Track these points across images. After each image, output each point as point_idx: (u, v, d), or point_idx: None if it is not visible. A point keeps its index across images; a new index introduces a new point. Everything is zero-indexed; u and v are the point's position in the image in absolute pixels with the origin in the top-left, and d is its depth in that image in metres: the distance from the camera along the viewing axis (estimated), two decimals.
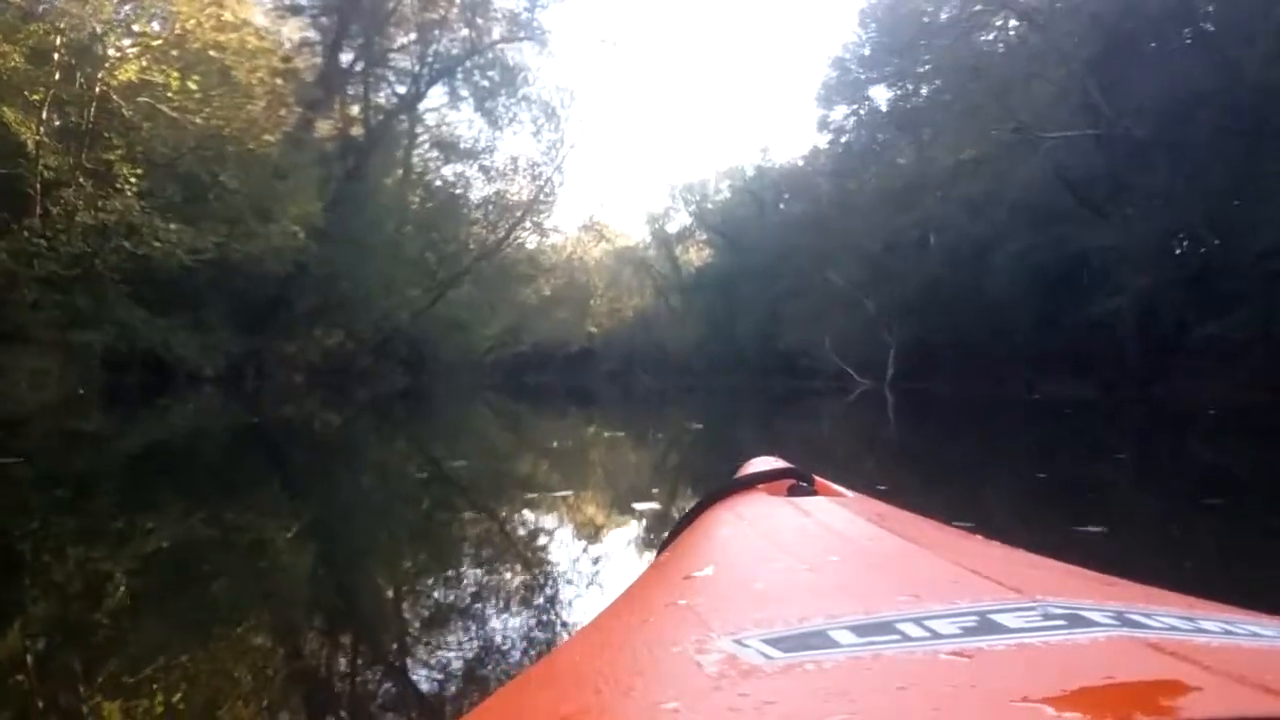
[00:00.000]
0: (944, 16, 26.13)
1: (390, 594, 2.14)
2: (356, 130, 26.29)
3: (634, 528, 2.99)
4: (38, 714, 1.28)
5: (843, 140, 33.79)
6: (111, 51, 15.19)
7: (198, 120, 15.66)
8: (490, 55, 27.96)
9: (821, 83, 33.77)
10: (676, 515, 1.54)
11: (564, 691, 0.43)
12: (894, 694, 0.32)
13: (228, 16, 17.07)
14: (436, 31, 27.01)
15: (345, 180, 23.04)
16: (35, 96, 14.22)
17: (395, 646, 1.66)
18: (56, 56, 14.48)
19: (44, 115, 14.47)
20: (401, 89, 27.74)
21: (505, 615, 1.88)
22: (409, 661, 1.58)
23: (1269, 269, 14.34)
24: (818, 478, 0.97)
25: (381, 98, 27.47)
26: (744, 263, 38.13)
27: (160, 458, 5.10)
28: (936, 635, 0.37)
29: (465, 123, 35.30)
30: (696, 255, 47.20)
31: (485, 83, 28.66)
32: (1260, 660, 0.35)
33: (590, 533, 2.91)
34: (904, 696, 0.31)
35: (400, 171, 29.21)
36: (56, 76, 14.47)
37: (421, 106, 28.73)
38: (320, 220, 18.75)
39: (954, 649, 0.35)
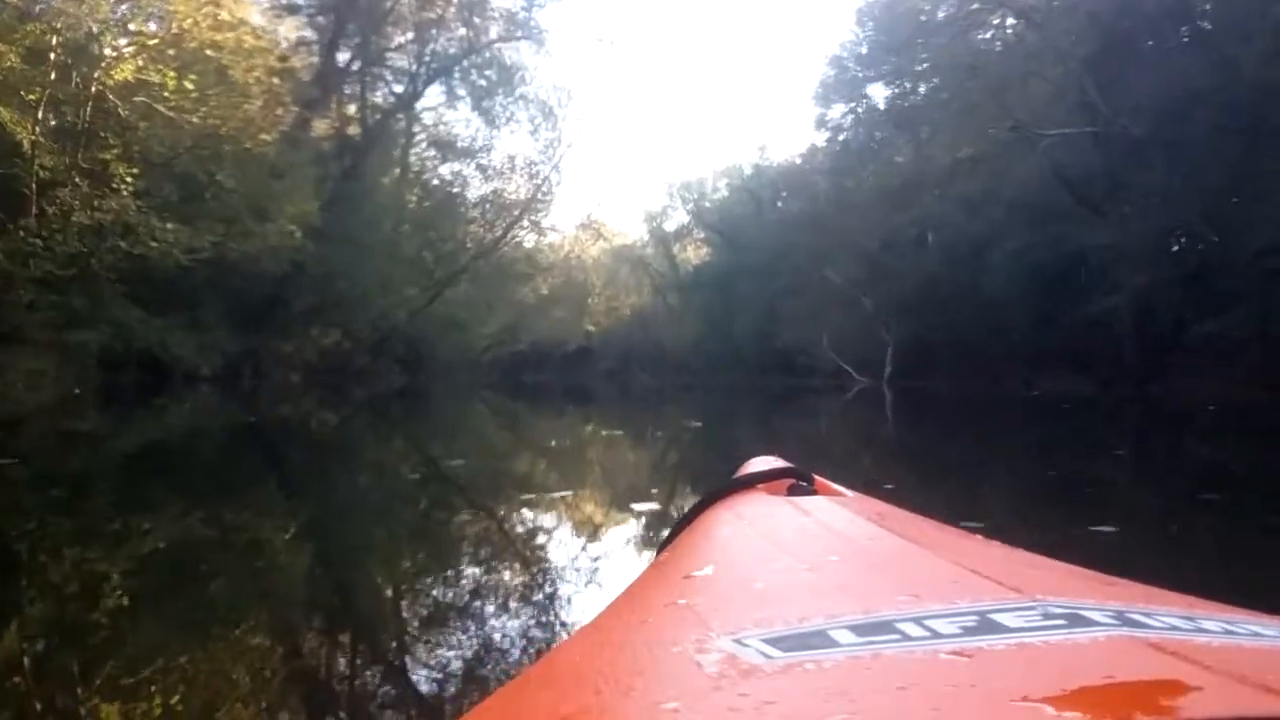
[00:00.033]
0: (941, 15, 26.14)
1: (388, 594, 2.14)
2: (353, 129, 26.26)
3: (633, 527, 2.98)
4: (35, 716, 1.28)
5: (840, 138, 33.80)
6: (108, 51, 15.15)
7: (194, 119, 15.62)
8: (487, 54, 27.95)
9: (819, 81, 33.83)
10: (676, 515, 1.53)
11: (564, 691, 0.43)
12: (894, 694, 0.32)
13: (224, 15, 17.03)
14: (434, 31, 26.99)
15: (342, 179, 23.00)
16: (31, 96, 14.18)
17: (394, 646, 1.66)
18: (53, 56, 14.43)
19: (40, 115, 14.42)
20: (399, 88, 27.75)
21: (504, 615, 1.88)
22: (408, 661, 1.58)
23: (1266, 267, 14.37)
24: (817, 477, 0.97)
25: (378, 97, 27.48)
26: (742, 261, 38.14)
27: (157, 457, 5.08)
28: (936, 635, 0.37)
29: (462, 122, 35.35)
30: (694, 254, 47.20)
31: (482, 82, 28.65)
32: (1261, 660, 0.35)
33: (589, 532, 2.90)
34: (904, 696, 0.31)
35: (397, 171, 29.18)
36: (53, 76, 14.42)
37: (419, 106, 28.75)
38: (317, 219, 18.71)
39: (954, 649, 0.35)
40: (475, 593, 2.08)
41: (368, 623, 1.87)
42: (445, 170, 31.36)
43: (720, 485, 0.93)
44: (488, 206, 30.89)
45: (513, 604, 1.97)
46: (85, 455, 5.08)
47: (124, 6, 15.69)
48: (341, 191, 22.18)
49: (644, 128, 78.64)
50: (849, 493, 0.94)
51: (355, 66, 25.58)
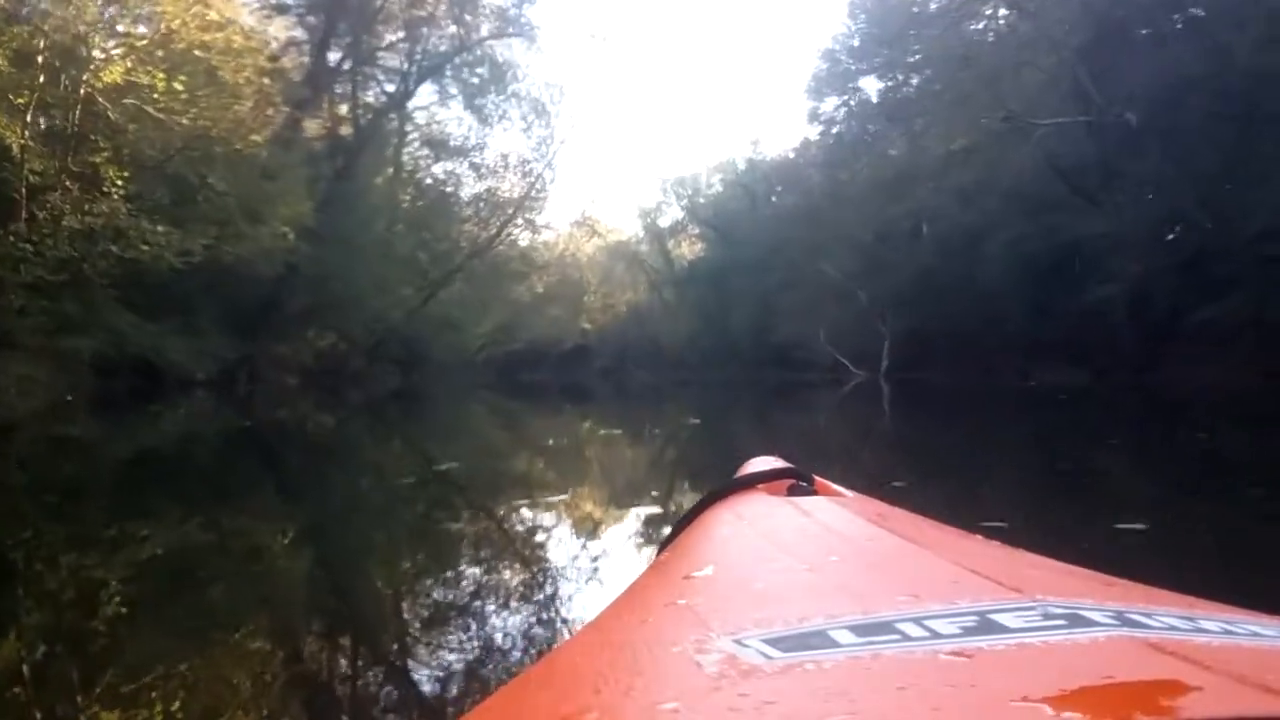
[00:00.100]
0: (933, 6, 26.07)
1: (388, 596, 2.14)
2: (345, 129, 26.16)
3: (633, 527, 2.97)
4: None
5: (833, 131, 33.73)
6: (96, 53, 15.03)
7: (184, 121, 15.51)
8: (479, 52, 27.85)
9: (811, 74, 33.73)
10: (676, 515, 1.51)
11: (564, 691, 0.42)
12: (894, 694, 0.32)
13: (213, 16, 16.92)
14: (424, 29, 26.86)
15: (335, 180, 22.91)
16: (20, 100, 14.07)
17: (394, 648, 1.67)
18: (41, 59, 14.32)
19: (29, 118, 14.31)
20: (390, 87, 27.63)
21: (504, 616, 1.88)
22: (408, 663, 1.58)
23: (1262, 253, 14.37)
24: (817, 477, 0.97)
25: (370, 96, 27.36)
26: (737, 256, 38.12)
27: (152, 463, 5.08)
28: (936, 635, 0.37)
29: (455, 120, 35.19)
30: (689, 249, 47.17)
31: (474, 80, 28.55)
32: (1260, 660, 0.35)
33: (588, 533, 2.89)
34: (904, 696, 0.31)
35: (390, 170, 29.07)
36: (41, 79, 14.31)
37: (411, 105, 28.63)
38: (310, 221, 18.63)
39: (954, 649, 0.35)
40: (475, 594, 2.09)
41: (368, 625, 1.87)
42: (438, 169, 31.31)
43: (720, 485, 0.93)
44: (481, 205, 30.83)
45: (512, 605, 1.97)
46: (79, 462, 5.07)
47: (112, 8, 15.57)
48: (334, 192, 22.08)
49: (637, 124, 78.72)
50: (849, 493, 0.94)
51: (346, 66, 25.49)
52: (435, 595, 2.07)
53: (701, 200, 46.15)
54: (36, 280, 13.87)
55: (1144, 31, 18.39)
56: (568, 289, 43.02)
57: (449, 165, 31.07)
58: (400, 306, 24.89)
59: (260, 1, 22.84)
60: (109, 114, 15.01)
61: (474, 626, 1.79)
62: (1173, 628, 0.38)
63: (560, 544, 2.68)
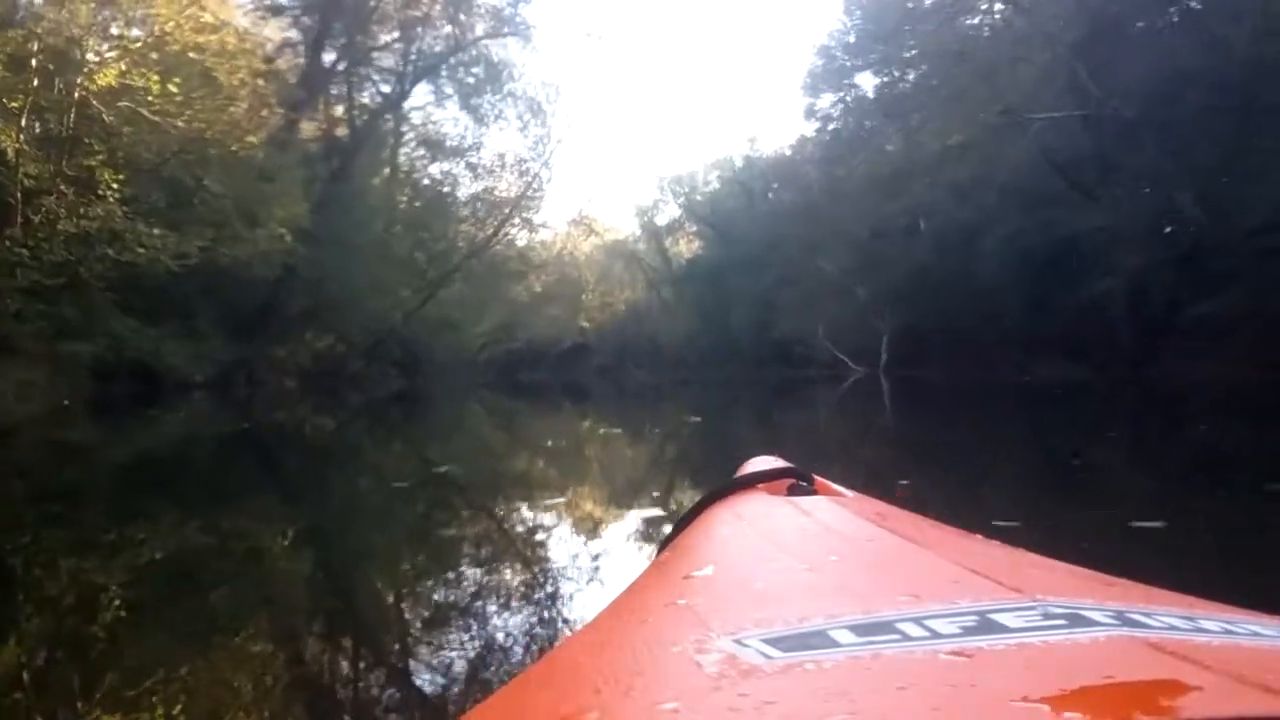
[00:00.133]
0: (928, 1, 26.07)
1: (387, 597, 2.14)
2: (341, 131, 26.12)
3: (633, 528, 2.96)
4: None
5: (830, 128, 33.72)
6: (90, 56, 14.99)
7: (179, 124, 15.48)
8: (474, 52, 27.80)
9: (807, 71, 33.70)
10: (676, 515, 1.50)
11: (564, 691, 0.43)
12: (894, 694, 0.32)
13: (207, 18, 16.88)
14: (419, 29, 26.82)
15: (331, 181, 22.87)
16: (14, 104, 14.04)
17: (395, 649, 1.67)
18: (34, 63, 14.29)
19: (23, 122, 14.28)
20: (386, 88, 27.58)
21: (504, 616, 1.88)
22: (409, 664, 1.59)
23: (1259, 245, 14.37)
24: (817, 478, 0.97)
25: (366, 97, 27.31)
26: (734, 253, 38.10)
27: (151, 467, 5.07)
28: (936, 635, 0.37)
29: (451, 120, 35.22)
30: (687, 247, 47.15)
31: (470, 79, 28.50)
32: (1260, 660, 0.35)
33: (588, 533, 2.89)
34: (904, 696, 0.31)
35: (387, 171, 29.04)
36: (35, 83, 14.28)
37: (406, 105, 28.59)
38: (307, 222, 18.60)
39: (954, 649, 0.35)
40: (474, 594, 2.09)
41: (368, 627, 1.87)
42: (435, 170, 31.27)
43: (720, 485, 0.93)
44: (479, 205, 30.78)
45: (512, 605, 1.97)
46: (79, 466, 5.05)
47: (106, 11, 15.52)
48: (331, 193, 22.04)
49: (634, 122, 78.63)
50: (849, 493, 0.94)
51: (341, 67, 25.41)
52: (435, 596, 2.07)
53: (699, 198, 46.13)
54: (33, 285, 13.84)
55: (1139, 25, 18.39)
56: (566, 288, 43.00)
57: (445, 165, 31.08)
58: (398, 307, 24.86)
59: (255, 3, 22.82)
60: (104, 117, 14.97)
61: (474, 626, 1.80)
62: (1173, 628, 0.38)
63: (560, 544, 2.68)
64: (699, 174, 46.79)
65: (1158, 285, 16.89)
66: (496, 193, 30.62)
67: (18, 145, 14.10)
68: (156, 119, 15.18)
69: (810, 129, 35.65)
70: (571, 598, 2.00)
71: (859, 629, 0.39)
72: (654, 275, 45.88)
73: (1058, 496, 3.32)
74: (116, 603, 1.98)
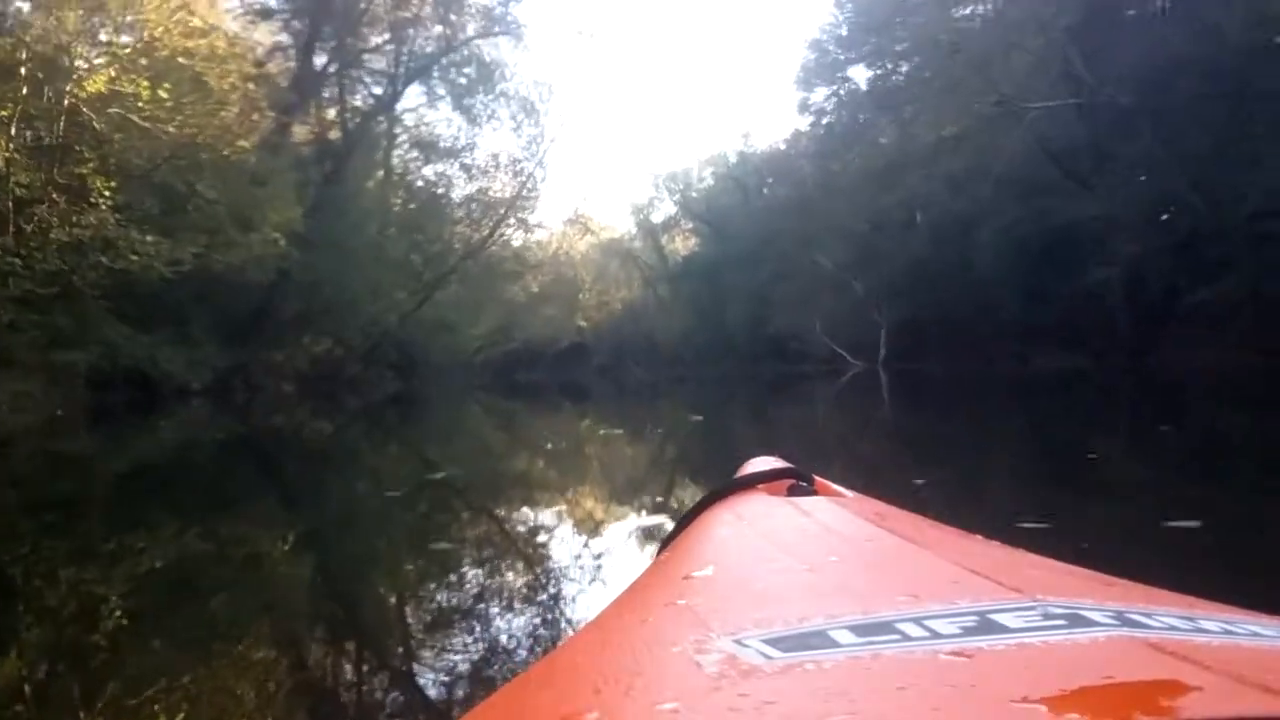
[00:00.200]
0: None
1: (387, 600, 2.15)
2: (334, 134, 26.05)
3: (633, 528, 2.95)
4: None
5: (824, 122, 33.70)
6: (79, 63, 14.90)
7: (170, 129, 15.41)
8: (466, 52, 27.73)
9: (800, 65, 33.70)
10: (677, 515, 1.48)
11: (564, 691, 0.42)
12: (894, 694, 0.32)
13: (196, 22, 16.79)
14: (410, 30, 26.74)
15: (325, 185, 22.80)
16: (4, 112, 13.97)
17: (396, 651, 1.68)
18: (23, 71, 14.20)
19: (13, 131, 14.20)
20: (378, 90, 27.51)
21: (504, 617, 1.88)
22: (410, 665, 1.59)
23: (1256, 231, 14.38)
24: (817, 478, 0.97)
25: (358, 100, 27.25)
26: (730, 250, 38.07)
27: (149, 475, 5.07)
28: (936, 635, 0.37)
29: (444, 121, 35.06)
30: (683, 244, 47.09)
31: (462, 80, 28.44)
32: (1260, 660, 0.35)
33: (588, 534, 2.87)
34: (904, 696, 0.31)
35: (380, 173, 28.96)
36: (24, 91, 14.20)
37: (399, 107, 28.53)
38: (301, 226, 18.55)
39: (954, 649, 0.35)
40: (475, 596, 2.09)
41: (368, 629, 1.88)
42: (429, 171, 31.21)
43: (720, 485, 0.93)
44: (473, 206, 30.72)
45: (512, 606, 1.98)
46: (75, 476, 5.04)
47: (94, 17, 15.42)
48: (325, 197, 21.98)
49: (627, 120, 78.29)
50: (849, 493, 0.94)
51: (332, 70, 25.34)
52: (435, 598, 2.07)
53: (693, 195, 46.07)
54: (26, 294, 13.77)
55: (1131, 12, 18.38)
56: (562, 288, 42.94)
57: (439, 167, 31.01)
58: (395, 310, 24.81)
59: (244, 7, 22.73)
60: (94, 124, 14.90)
61: (475, 628, 1.80)
62: (1173, 628, 0.37)
63: (560, 544, 2.68)
64: (694, 170, 46.78)
65: (1155, 273, 16.89)
66: (491, 193, 30.59)
67: (8, 154, 14.02)
68: (147, 125, 15.11)
69: (804, 123, 35.67)
70: (572, 598, 2.00)
71: (859, 629, 0.39)
72: (650, 273, 45.83)
73: (1082, 494, 3.20)
74: (116, 612, 1.98)
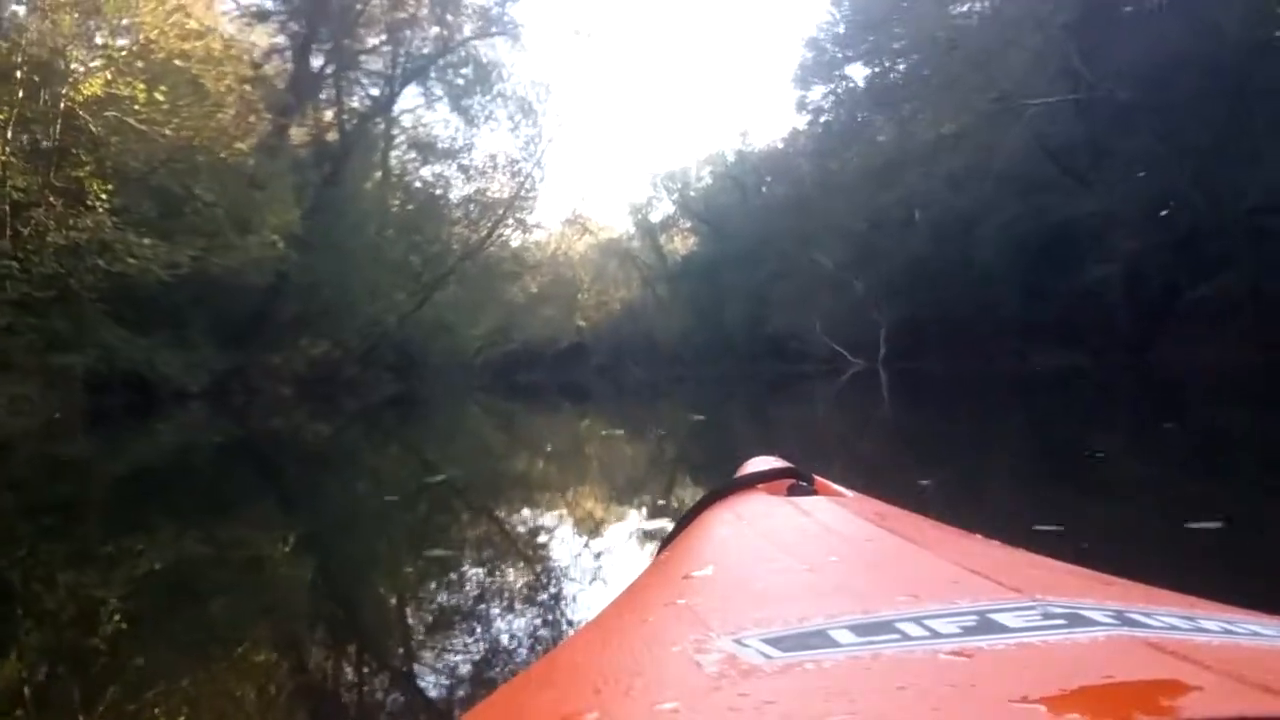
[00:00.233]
0: None
1: (387, 601, 2.15)
2: (332, 135, 26.00)
3: (633, 528, 2.94)
4: None
5: (822, 120, 33.64)
6: (75, 66, 14.86)
7: (167, 132, 15.37)
8: (463, 53, 27.70)
9: (798, 63, 33.65)
10: (677, 515, 1.46)
11: (563, 691, 0.42)
12: (894, 694, 0.32)
13: (192, 24, 16.76)
14: (407, 31, 26.71)
15: (322, 186, 22.77)
16: (0, 116, 13.91)
17: (396, 652, 1.69)
18: (19, 74, 14.16)
19: (9, 135, 14.16)
20: (375, 91, 27.47)
21: (504, 617, 1.88)
22: (411, 666, 1.59)
23: (1255, 226, 14.37)
24: (817, 478, 0.98)
25: (355, 101, 27.19)
26: (729, 249, 38.07)
27: (147, 478, 5.05)
28: (936, 635, 0.37)
29: (441, 122, 34.92)
30: (681, 244, 47.08)
31: (459, 81, 28.42)
32: (1260, 660, 0.35)
33: (588, 534, 2.86)
34: (904, 696, 0.32)
35: (378, 175, 28.92)
36: (20, 94, 14.16)
37: (396, 108, 28.48)
38: (299, 228, 18.52)
39: (954, 649, 0.35)
40: (475, 596, 2.09)
41: (369, 632, 1.88)
42: (427, 172, 31.18)
43: (720, 485, 0.93)
44: (472, 207, 30.69)
45: (513, 606, 1.98)
46: (74, 479, 5.03)
47: (89, 20, 15.38)
48: (323, 199, 21.95)
49: (625, 119, 78.37)
50: (849, 493, 0.94)
51: (329, 71, 25.29)
52: (435, 599, 2.07)
53: (692, 194, 46.07)
54: (23, 297, 13.73)
55: (1129, 8, 18.35)
56: (561, 288, 42.92)
57: (437, 168, 30.99)
58: (393, 311, 24.78)
59: (240, 9, 22.70)
60: (91, 127, 14.86)
61: (475, 628, 1.80)
62: (1173, 627, 0.38)
63: (560, 545, 2.67)
64: (692, 170, 46.78)
65: (1155, 269, 16.87)
66: (489, 194, 30.57)
67: (4, 158, 13.99)
68: (144, 128, 15.07)
69: (802, 122, 35.61)
70: (572, 598, 2.00)
71: (859, 629, 0.39)
72: (649, 273, 45.81)
73: (1094, 495, 3.11)
74: (115, 615, 1.97)
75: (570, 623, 1.77)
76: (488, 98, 28.75)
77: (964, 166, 22.78)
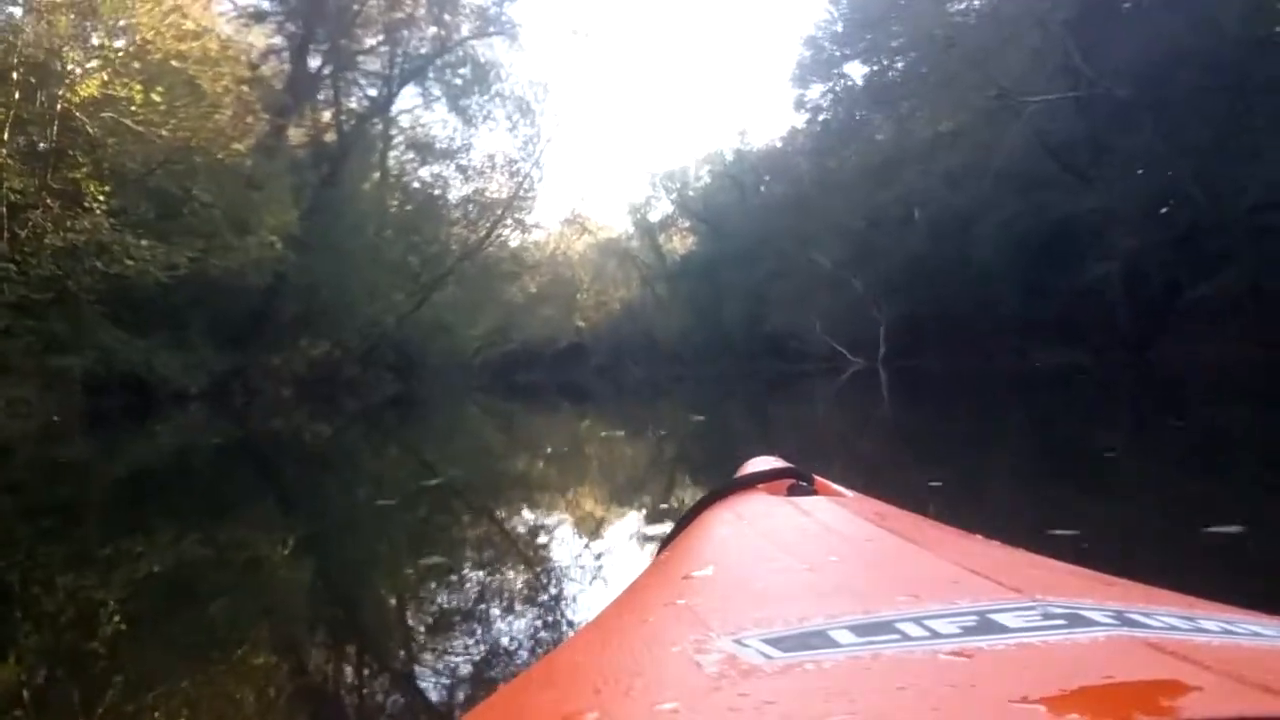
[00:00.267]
0: None
1: (387, 602, 2.15)
2: (330, 136, 25.99)
3: (632, 529, 2.92)
4: None
5: (820, 119, 33.61)
6: (72, 67, 14.82)
7: (164, 133, 15.34)
8: (460, 53, 27.69)
9: (796, 62, 33.59)
10: (677, 515, 1.45)
11: (564, 691, 0.43)
12: (894, 694, 0.32)
13: (189, 25, 16.72)
14: (404, 31, 26.71)
15: (321, 187, 22.75)
16: None
17: (396, 653, 1.69)
18: (15, 75, 14.12)
19: (5, 136, 14.12)
20: (373, 91, 27.45)
21: (504, 618, 1.88)
22: (411, 667, 1.59)
23: (1256, 224, 14.35)
24: (817, 478, 0.98)
25: (353, 102, 27.18)
26: (727, 248, 38.08)
27: (146, 480, 5.03)
28: (936, 635, 0.37)
29: (440, 123, 34.93)
30: (680, 243, 47.09)
31: (457, 81, 28.41)
32: (1260, 660, 0.35)
33: (588, 535, 2.84)
34: (904, 696, 0.32)
35: (377, 175, 28.91)
36: (16, 96, 14.12)
37: (394, 108, 28.47)
38: (297, 229, 18.52)
39: (954, 649, 0.36)
40: (475, 597, 2.09)
41: (369, 633, 1.88)
42: (425, 173, 31.18)
43: (720, 485, 0.93)
44: (470, 207, 30.70)
45: (513, 607, 1.98)
46: (73, 482, 5.02)
47: (86, 22, 15.34)
48: (321, 199, 21.93)
49: (624, 119, 78.47)
50: (849, 493, 0.94)
51: (327, 72, 25.27)
52: (435, 600, 2.06)
53: (690, 193, 46.07)
54: (21, 300, 13.70)
55: (1128, 5, 18.33)
56: (560, 288, 42.92)
57: (436, 168, 30.98)
58: (392, 312, 24.77)
59: (237, 10, 22.66)
60: (87, 129, 14.82)
61: (475, 629, 1.81)
62: (1173, 628, 0.38)
63: (560, 545, 2.67)
64: (690, 169, 46.79)
65: (1155, 267, 16.86)
66: (488, 194, 30.58)
67: (1, 159, 13.95)
68: (141, 129, 15.03)
69: (800, 120, 35.59)
70: (572, 598, 2.00)
71: (859, 629, 0.39)
72: (648, 272, 45.81)
73: (1105, 497, 3.01)
74: (114, 617, 1.97)
75: (570, 623, 1.77)
76: (486, 98, 28.78)
77: (962, 164, 22.76)
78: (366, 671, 1.61)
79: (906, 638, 0.37)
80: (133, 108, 14.91)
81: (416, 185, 30.91)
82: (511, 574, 2.29)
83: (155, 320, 16.31)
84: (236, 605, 2.08)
